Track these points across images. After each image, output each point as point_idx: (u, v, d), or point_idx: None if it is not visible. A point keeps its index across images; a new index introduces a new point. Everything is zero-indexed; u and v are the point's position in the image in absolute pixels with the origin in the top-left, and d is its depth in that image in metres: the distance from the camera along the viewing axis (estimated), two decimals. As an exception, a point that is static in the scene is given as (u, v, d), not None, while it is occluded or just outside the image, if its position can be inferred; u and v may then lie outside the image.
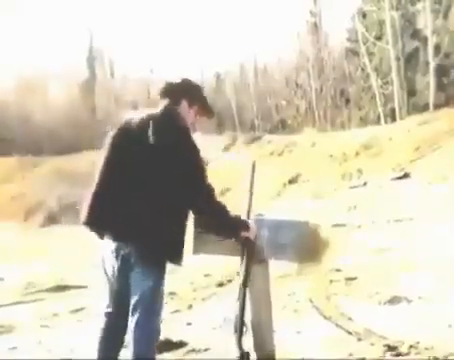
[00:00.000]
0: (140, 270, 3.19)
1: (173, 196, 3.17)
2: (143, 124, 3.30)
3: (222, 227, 3.32)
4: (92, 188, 3.42)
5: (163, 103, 3.40)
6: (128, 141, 3.33)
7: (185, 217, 3.28)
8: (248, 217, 3.36)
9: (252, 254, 3.31)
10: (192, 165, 3.24)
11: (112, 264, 3.29)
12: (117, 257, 3.25)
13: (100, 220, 3.34)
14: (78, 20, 63.63)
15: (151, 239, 3.15)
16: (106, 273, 3.35)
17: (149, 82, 40.19)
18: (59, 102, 38.30)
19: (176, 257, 3.28)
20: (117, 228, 3.26)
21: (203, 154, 3.25)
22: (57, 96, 39.23)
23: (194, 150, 3.27)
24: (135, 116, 3.43)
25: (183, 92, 3.50)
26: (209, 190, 3.28)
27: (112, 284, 3.33)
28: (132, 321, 3.19)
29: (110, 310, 3.38)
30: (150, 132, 3.24)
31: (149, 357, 3.21)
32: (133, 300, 3.21)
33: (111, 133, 3.47)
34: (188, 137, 3.31)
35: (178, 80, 3.55)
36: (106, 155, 3.41)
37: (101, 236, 3.42)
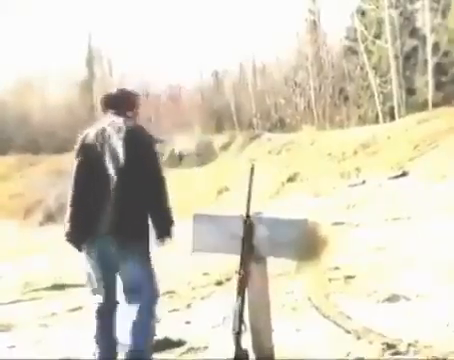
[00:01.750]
0: (130, 257, 3.73)
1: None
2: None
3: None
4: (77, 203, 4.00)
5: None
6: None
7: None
8: (247, 218, 3.37)
9: (251, 252, 3.32)
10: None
11: (99, 266, 3.87)
12: (104, 259, 3.81)
13: (81, 233, 3.94)
14: (77, 20, 63.53)
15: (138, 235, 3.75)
16: (91, 276, 3.96)
17: (148, 82, 40.16)
18: (58, 101, 38.30)
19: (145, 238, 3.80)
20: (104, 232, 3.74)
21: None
22: (56, 95, 39.23)
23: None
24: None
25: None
26: None
27: (100, 281, 3.92)
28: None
29: (101, 301, 3.96)
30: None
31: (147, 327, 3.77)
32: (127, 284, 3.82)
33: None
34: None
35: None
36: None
37: (80, 248, 4.00)
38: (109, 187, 3.73)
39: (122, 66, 42.22)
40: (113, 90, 4.29)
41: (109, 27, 63.15)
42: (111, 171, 3.74)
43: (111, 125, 3.86)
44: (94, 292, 4.05)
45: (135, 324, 3.71)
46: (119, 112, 4.00)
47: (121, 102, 4.10)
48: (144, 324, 3.74)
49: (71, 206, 4.03)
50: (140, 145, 3.85)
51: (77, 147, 3.99)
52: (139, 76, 40.55)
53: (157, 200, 3.82)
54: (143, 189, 3.78)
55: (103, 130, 3.86)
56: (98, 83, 40.57)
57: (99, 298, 3.97)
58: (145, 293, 3.78)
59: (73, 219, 4.00)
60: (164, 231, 3.76)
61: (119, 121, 3.88)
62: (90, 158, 3.85)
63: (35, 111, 36.08)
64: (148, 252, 3.84)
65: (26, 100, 36.33)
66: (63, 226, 4.06)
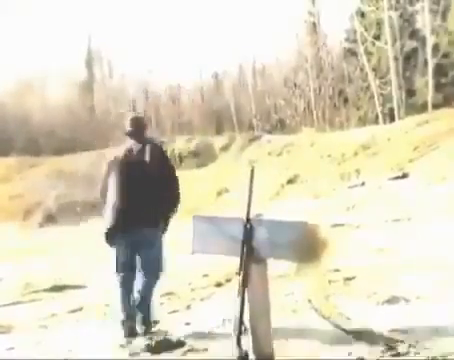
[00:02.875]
0: (148, 243, 5.19)
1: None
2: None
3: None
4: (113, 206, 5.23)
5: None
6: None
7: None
8: (247, 220, 3.38)
9: (251, 254, 3.32)
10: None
11: (124, 248, 5.24)
12: (128, 243, 5.21)
13: (115, 228, 5.21)
14: (77, 21, 63.61)
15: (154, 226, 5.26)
16: (118, 258, 5.29)
17: (147, 83, 40.20)
18: (58, 102, 38.35)
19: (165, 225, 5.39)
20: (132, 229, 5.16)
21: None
22: (56, 96, 39.28)
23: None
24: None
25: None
26: None
27: (125, 258, 5.26)
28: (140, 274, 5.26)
29: (122, 274, 5.29)
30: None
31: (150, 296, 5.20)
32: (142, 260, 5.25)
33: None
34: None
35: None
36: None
37: (112, 242, 5.30)
38: (136, 191, 5.20)
39: (122, 67, 42.29)
40: (128, 122, 5.60)
41: (109, 28, 63.34)
42: (137, 179, 5.25)
43: (135, 145, 5.42)
44: (118, 268, 5.33)
45: (145, 284, 5.20)
46: (138, 135, 5.50)
47: (138, 129, 5.58)
48: (150, 286, 5.23)
49: (110, 206, 5.26)
50: (157, 157, 5.38)
51: (109, 162, 5.46)
52: (139, 77, 40.62)
53: (171, 188, 5.33)
54: (161, 186, 5.26)
55: (130, 149, 5.41)
56: (98, 84, 40.63)
57: (122, 272, 5.30)
58: (155, 270, 5.25)
59: (112, 217, 5.21)
60: (173, 206, 5.35)
61: (140, 142, 5.43)
62: (120, 170, 5.32)
63: (35, 112, 36.11)
64: (161, 242, 5.34)
65: (26, 101, 36.35)
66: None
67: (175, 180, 5.42)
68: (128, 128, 5.57)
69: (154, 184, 5.22)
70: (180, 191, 5.41)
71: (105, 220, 5.26)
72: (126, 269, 5.27)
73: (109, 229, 5.21)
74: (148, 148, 5.38)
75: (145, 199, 5.17)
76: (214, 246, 3.64)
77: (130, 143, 5.46)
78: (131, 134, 5.53)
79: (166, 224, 5.39)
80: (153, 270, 5.23)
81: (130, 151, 5.39)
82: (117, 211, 5.17)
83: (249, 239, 3.36)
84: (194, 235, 3.69)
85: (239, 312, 3.24)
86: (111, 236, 5.23)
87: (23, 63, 51.83)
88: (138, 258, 5.27)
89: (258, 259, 3.40)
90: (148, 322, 5.08)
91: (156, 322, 5.18)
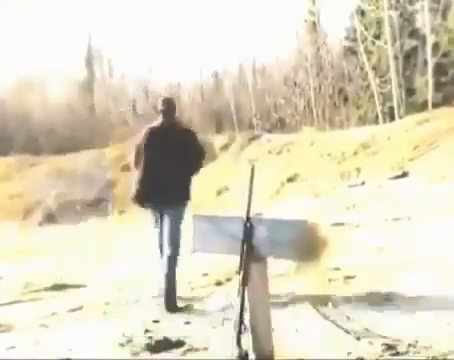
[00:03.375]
0: (172, 213, 6.07)
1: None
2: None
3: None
4: (142, 176, 6.22)
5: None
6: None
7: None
8: (247, 219, 3.38)
9: (251, 253, 3.33)
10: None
11: (156, 217, 6.29)
12: (157, 212, 6.25)
13: (144, 196, 6.23)
14: (77, 20, 63.59)
15: (176, 196, 6.13)
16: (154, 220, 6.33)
17: (148, 81, 40.19)
18: (58, 101, 38.35)
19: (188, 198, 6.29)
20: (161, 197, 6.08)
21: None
22: (56, 95, 39.28)
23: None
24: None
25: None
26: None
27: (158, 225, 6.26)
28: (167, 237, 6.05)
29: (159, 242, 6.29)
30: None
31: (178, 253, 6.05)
32: (167, 228, 6.06)
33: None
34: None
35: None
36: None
37: (142, 206, 6.37)
38: (159, 164, 6.13)
39: (122, 66, 42.23)
40: (161, 102, 6.57)
41: (109, 27, 63.27)
42: (170, 152, 6.17)
43: (166, 122, 6.39)
44: (155, 226, 6.36)
45: (171, 242, 6.02)
46: (168, 115, 6.44)
47: (170, 108, 6.50)
48: (176, 253, 6.03)
49: (139, 177, 6.26)
50: (185, 135, 6.44)
51: (142, 135, 6.45)
52: (139, 76, 40.62)
53: (199, 159, 6.46)
54: (186, 161, 6.23)
55: (162, 125, 6.39)
56: (98, 83, 40.62)
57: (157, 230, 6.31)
58: (176, 243, 6.04)
59: (140, 186, 6.22)
60: (197, 167, 6.45)
61: (170, 119, 6.43)
62: (149, 143, 6.29)
63: (35, 110, 36.10)
64: (181, 218, 6.15)
65: (26, 100, 36.35)
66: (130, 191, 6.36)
67: (203, 155, 6.55)
68: (160, 107, 6.51)
69: (183, 159, 6.18)
70: (203, 163, 6.56)
71: (137, 184, 6.26)
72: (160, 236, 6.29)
73: (140, 192, 6.24)
74: (177, 125, 6.57)
75: (175, 171, 6.12)
76: (214, 245, 3.64)
77: (161, 120, 6.46)
78: (163, 112, 6.46)
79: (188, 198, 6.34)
80: (174, 245, 6.02)
81: (162, 126, 6.39)
82: (145, 178, 6.22)
83: (249, 238, 3.36)
84: (194, 234, 3.69)
85: (239, 311, 3.25)
86: (141, 199, 6.28)
87: (23, 62, 51.76)
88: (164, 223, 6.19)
89: (258, 258, 3.40)
90: (172, 295, 5.81)
91: (157, 321, 5.19)
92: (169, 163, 6.10)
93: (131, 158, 6.59)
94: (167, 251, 5.99)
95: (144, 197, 6.21)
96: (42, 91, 39.31)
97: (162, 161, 6.10)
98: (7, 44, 53.33)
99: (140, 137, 6.48)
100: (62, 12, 61.14)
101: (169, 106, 6.55)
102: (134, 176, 6.36)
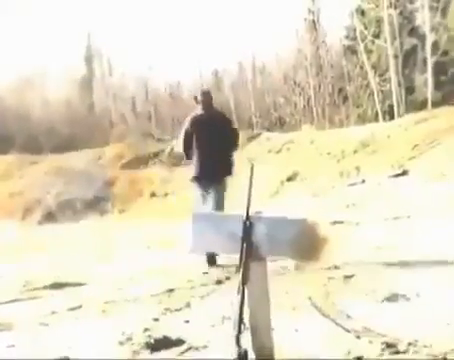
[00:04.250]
0: (218, 186, 7.53)
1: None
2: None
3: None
4: (196, 155, 7.71)
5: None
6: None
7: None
8: (246, 218, 3.37)
9: (250, 252, 3.32)
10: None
11: (202, 190, 7.64)
12: (206, 186, 7.56)
13: (202, 174, 7.62)
14: (76, 18, 63.57)
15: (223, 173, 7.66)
16: (199, 197, 7.69)
17: (147, 79, 40.17)
18: (57, 100, 38.33)
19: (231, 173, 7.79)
20: (209, 175, 7.49)
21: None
22: (56, 94, 39.24)
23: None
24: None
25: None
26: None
27: (204, 198, 7.58)
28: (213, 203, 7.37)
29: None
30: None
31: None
32: (214, 197, 7.42)
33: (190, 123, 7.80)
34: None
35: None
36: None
37: (200, 183, 7.68)
38: (209, 147, 7.49)
39: (122, 65, 42.19)
40: (201, 93, 7.96)
41: (109, 26, 63.26)
42: (213, 137, 7.48)
43: (205, 111, 7.67)
44: (200, 198, 7.67)
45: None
46: (207, 104, 7.73)
47: (208, 99, 7.84)
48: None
49: (197, 155, 7.68)
50: (223, 120, 7.93)
51: (188, 123, 7.76)
52: (139, 74, 40.60)
53: (235, 137, 7.99)
54: (227, 142, 7.73)
55: (202, 115, 7.66)
56: (98, 81, 40.61)
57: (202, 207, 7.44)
58: (221, 208, 7.27)
59: (199, 163, 7.63)
60: (236, 147, 8.06)
61: (209, 108, 7.72)
62: (197, 130, 7.57)
63: (35, 109, 36.09)
64: (225, 190, 7.72)
65: (26, 99, 36.35)
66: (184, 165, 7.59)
67: (237, 132, 8.13)
68: (200, 98, 7.80)
69: (224, 142, 7.57)
70: (239, 143, 8.15)
71: (196, 166, 7.72)
72: (205, 201, 7.50)
73: (199, 172, 7.68)
74: (215, 113, 7.87)
75: (218, 153, 7.46)
76: (213, 244, 3.64)
77: (202, 109, 7.71)
78: (203, 102, 7.70)
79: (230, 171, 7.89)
80: (220, 206, 7.31)
81: (203, 114, 7.62)
82: (202, 160, 7.58)
83: (249, 236, 3.35)
84: (193, 234, 3.68)
85: (239, 310, 3.24)
86: (200, 177, 7.66)
87: (23, 60, 51.73)
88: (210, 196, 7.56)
89: (258, 256, 3.39)
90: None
91: (156, 320, 5.18)
92: (214, 145, 7.44)
93: (180, 143, 7.94)
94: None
95: (202, 175, 7.65)
96: (42, 89, 39.28)
97: (209, 144, 7.46)
98: (7, 43, 53.31)
99: (186, 125, 7.79)
100: (62, 11, 61.28)
101: (207, 97, 7.89)
102: (192, 159, 7.88)
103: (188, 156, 7.97)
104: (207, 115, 7.66)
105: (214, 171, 7.51)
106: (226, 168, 7.71)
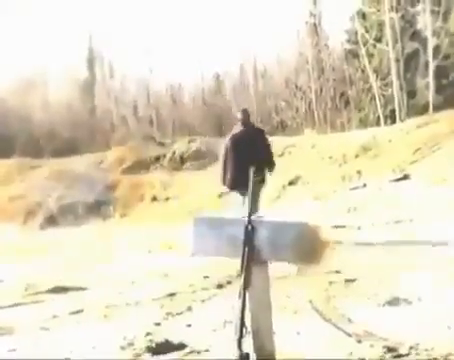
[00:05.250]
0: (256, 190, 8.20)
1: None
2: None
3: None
4: (231, 169, 8.91)
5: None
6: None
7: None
8: (248, 222, 3.37)
9: (252, 255, 3.32)
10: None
11: (241, 198, 8.75)
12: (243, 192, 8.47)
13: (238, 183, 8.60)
14: (77, 21, 63.59)
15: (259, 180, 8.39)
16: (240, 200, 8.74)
17: (149, 83, 40.18)
18: (59, 103, 38.33)
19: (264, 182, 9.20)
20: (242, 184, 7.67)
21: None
22: (57, 97, 39.25)
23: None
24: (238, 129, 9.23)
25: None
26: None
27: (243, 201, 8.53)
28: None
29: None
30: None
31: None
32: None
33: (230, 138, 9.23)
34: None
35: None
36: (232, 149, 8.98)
37: (234, 190, 8.97)
38: (248, 157, 8.11)
39: (123, 67, 42.18)
40: (240, 112, 9.36)
41: (110, 28, 63.29)
42: (250, 149, 8.63)
43: (244, 128, 9.08)
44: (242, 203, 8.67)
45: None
46: (245, 121, 9.17)
47: (246, 117, 9.26)
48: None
49: (231, 168, 8.95)
50: (260, 135, 9.28)
51: (228, 139, 9.19)
52: (140, 77, 40.61)
53: (269, 154, 9.25)
54: (263, 155, 8.91)
55: (241, 131, 9.04)
56: (99, 84, 40.62)
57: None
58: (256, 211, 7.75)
59: (231, 175, 8.90)
60: (272, 168, 9.21)
61: (247, 126, 9.15)
62: (237, 143, 8.90)
63: (36, 112, 36.10)
64: (260, 195, 8.86)
65: (27, 101, 36.35)
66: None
67: (271, 152, 9.29)
68: (240, 116, 9.20)
69: (258, 154, 8.69)
70: (274, 159, 9.43)
71: (230, 175, 8.98)
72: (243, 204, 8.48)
73: (231, 181, 8.92)
74: (253, 130, 9.24)
75: (254, 163, 7.49)
76: (214, 248, 3.63)
77: (240, 127, 9.08)
78: (242, 120, 9.07)
79: (264, 180, 9.07)
80: (255, 208, 7.71)
81: (242, 132, 8.97)
82: (236, 171, 8.71)
83: (250, 240, 3.35)
84: (194, 237, 3.68)
85: (240, 314, 3.24)
86: (232, 185, 8.94)
87: (24, 63, 51.73)
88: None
89: (259, 260, 3.39)
90: None
91: (158, 324, 5.19)
92: (249, 157, 8.19)
93: (222, 156, 9.35)
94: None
95: (234, 184, 8.89)
96: (43, 92, 39.28)
97: (244, 156, 8.52)
98: (8, 45, 53.28)
99: (227, 140, 9.26)
100: (63, 13, 61.27)
101: (246, 115, 9.29)
102: (226, 169, 9.14)
103: (224, 181, 9.38)
104: (245, 131, 9.07)
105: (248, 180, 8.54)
106: (259, 177, 8.57)
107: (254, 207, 7.90)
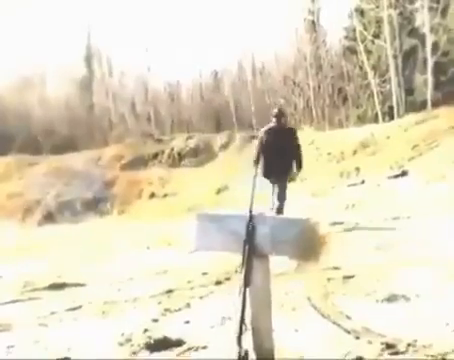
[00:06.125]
0: (281, 182, 9.97)
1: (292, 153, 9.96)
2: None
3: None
4: (264, 160, 9.96)
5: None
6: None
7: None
8: (249, 218, 3.37)
9: (253, 251, 3.33)
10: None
11: (272, 184, 10.09)
12: (273, 181, 10.05)
13: (268, 172, 9.91)
14: (76, 18, 63.44)
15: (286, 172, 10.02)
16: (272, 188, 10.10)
17: (147, 80, 40.13)
18: (57, 100, 38.28)
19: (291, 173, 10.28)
20: (275, 173, 9.87)
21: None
22: (55, 94, 39.20)
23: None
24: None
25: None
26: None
27: (273, 189, 10.05)
28: (277, 195, 10.00)
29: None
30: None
31: (283, 205, 9.93)
32: (277, 191, 10.01)
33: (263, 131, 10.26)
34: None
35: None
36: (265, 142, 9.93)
37: (267, 178, 9.98)
38: (278, 152, 9.56)
39: (121, 65, 42.11)
40: (275, 110, 10.19)
41: (108, 26, 63.21)
42: (280, 145, 9.59)
43: (278, 124, 9.84)
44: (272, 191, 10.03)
45: (279, 200, 9.91)
46: (279, 118, 9.90)
47: (281, 115, 10.03)
48: (281, 202, 9.88)
49: (263, 159, 9.83)
50: (291, 133, 9.97)
51: (262, 132, 10.09)
52: (138, 75, 40.56)
53: (299, 154, 9.88)
54: (293, 151, 9.78)
55: (275, 126, 9.85)
56: (97, 81, 40.57)
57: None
58: (283, 196, 9.96)
59: (263, 165, 9.81)
60: (300, 167, 9.97)
61: (281, 123, 9.91)
62: (267, 138, 9.78)
63: (34, 109, 36.04)
64: (287, 185, 10.02)
65: (25, 99, 36.30)
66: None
67: (300, 149, 9.94)
68: (275, 112, 10.00)
69: (289, 149, 9.70)
70: (303, 156, 10.11)
71: (263, 166, 9.84)
72: (273, 192, 9.92)
73: (265, 171, 9.81)
74: (285, 128, 10.04)
75: (283, 157, 9.65)
76: (216, 243, 3.63)
77: (275, 122, 9.86)
78: (276, 117, 9.87)
79: (294, 173, 10.10)
80: (282, 196, 9.91)
81: (275, 128, 9.81)
82: (268, 162, 9.75)
83: (251, 236, 3.35)
84: (196, 232, 3.68)
85: (240, 310, 3.24)
86: (266, 175, 9.80)
87: (22, 60, 51.62)
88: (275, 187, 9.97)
89: (260, 256, 3.39)
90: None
91: (156, 320, 5.18)
92: (279, 151, 9.58)
93: (255, 149, 10.06)
94: (276, 203, 9.82)
95: (267, 174, 9.81)
96: (41, 89, 39.24)
97: (275, 149, 9.59)
98: (6, 43, 53.20)
99: (261, 134, 10.11)
100: (61, 11, 61.23)
101: (280, 112, 10.12)
102: (258, 158, 9.88)
103: (257, 161, 9.97)
104: (278, 127, 9.88)
105: (277, 171, 9.77)
106: (287, 169, 9.90)
107: (283, 196, 9.93)
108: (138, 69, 40.88)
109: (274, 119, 9.93)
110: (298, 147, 9.98)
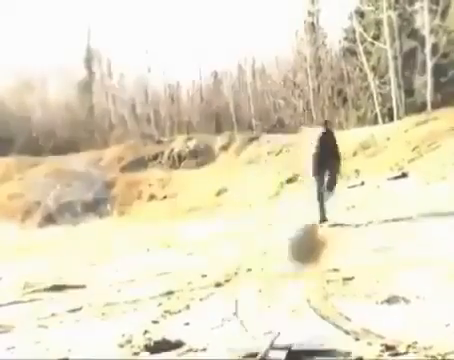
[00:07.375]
0: (330, 177, 11.25)
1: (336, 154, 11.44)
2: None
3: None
4: (315, 159, 11.27)
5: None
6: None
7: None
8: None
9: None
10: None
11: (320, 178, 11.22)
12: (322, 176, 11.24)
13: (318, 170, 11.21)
14: (76, 20, 63.41)
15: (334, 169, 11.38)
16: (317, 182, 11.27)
17: (147, 81, 40.13)
18: (57, 102, 38.27)
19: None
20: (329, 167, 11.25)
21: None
22: (55, 96, 39.19)
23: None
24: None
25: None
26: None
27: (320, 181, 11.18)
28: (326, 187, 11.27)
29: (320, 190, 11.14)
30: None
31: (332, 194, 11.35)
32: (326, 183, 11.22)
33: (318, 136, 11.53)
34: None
35: None
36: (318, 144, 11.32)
37: (318, 175, 11.26)
38: (327, 153, 11.06)
39: (121, 66, 42.11)
40: (324, 122, 12.31)
41: (108, 27, 63.15)
42: (327, 148, 11.11)
43: (325, 130, 11.42)
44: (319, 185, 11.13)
45: (328, 186, 11.17)
46: (327, 126, 11.65)
47: (327, 123, 12.10)
48: (329, 193, 11.24)
49: (314, 161, 11.10)
50: (333, 136, 11.58)
51: (316, 141, 11.22)
52: (138, 77, 40.57)
53: (338, 156, 11.39)
54: (335, 151, 11.29)
55: (324, 134, 11.29)
56: (97, 83, 40.57)
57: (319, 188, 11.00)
58: (331, 187, 11.22)
59: (315, 166, 11.06)
60: (339, 168, 11.58)
61: (327, 128, 11.53)
62: (321, 142, 11.15)
63: (34, 111, 36.05)
64: (336, 177, 11.53)
65: (25, 100, 36.31)
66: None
67: (338, 149, 11.36)
68: (324, 123, 11.98)
69: (332, 150, 11.17)
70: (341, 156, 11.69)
71: (315, 165, 11.10)
72: (320, 187, 11.04)
73: (317, 169, 11.08)
74: (330, 132, 11.54)
75: (329, 156, 11.04)
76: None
77: (322, 129, 11.38)
78: (324, 124, 11.76)
79: (338, 171, 11.52)
80: (331, 187, 11.13)
81: (324, 132, 11.27)
82: (319, 161, 10.98)
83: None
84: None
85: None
86: (317, 172, 11.07)
87: (22, 62, 51.58)
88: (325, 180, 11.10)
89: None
90: (323, 213, 10.80)
91: (156, 322, 5.19)
92: (326, 153, 11.02)
93: (314, 150, 11.17)
94: (326, 194, 11.04)
95: (318, 171, 11.03)
96: (41, 91, 39.23)
97: (324, 151, 11.01)
98: (6, 44, 53.18)
99: (315, 143, 11.28)
100: (61, 12, 61.09)
101: (328, 122, 12.30)
102: (313, 160, 11.15)
103: (316, 173, 11.20)
104: (326, 133, 11.37)
105: (326, 168, 11.10)
106: (333, 167, 11.22)
107: (333, 182, 11.18)
108: (138, 71, 40.86)
109: (323, 126, 11.72)
110: (337, 146, 11.51)
